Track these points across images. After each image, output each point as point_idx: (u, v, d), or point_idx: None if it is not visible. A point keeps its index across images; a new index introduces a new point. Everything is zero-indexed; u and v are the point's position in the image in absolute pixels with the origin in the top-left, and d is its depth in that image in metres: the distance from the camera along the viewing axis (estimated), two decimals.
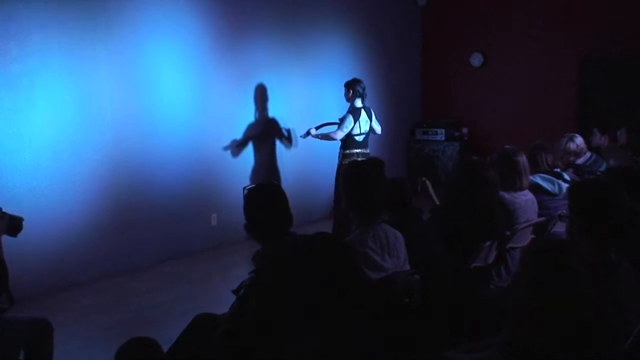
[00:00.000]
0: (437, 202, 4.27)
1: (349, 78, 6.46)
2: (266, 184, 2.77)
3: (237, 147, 6.74)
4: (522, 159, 4.00)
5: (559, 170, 4.52)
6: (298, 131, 7.05)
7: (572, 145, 5.35)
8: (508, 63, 9.05)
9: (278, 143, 7.21)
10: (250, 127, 6.86)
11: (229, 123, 6.62)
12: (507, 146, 4.16)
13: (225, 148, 6.61)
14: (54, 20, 5.03)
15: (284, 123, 7.21)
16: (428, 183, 4.35)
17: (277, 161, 7.20)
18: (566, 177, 4.43)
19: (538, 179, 4.34)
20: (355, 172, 3.03)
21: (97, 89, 5.37)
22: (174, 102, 6.04)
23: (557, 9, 8.62)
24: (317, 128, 6.49)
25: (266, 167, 7.06)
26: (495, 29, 9.11)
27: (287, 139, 7.25)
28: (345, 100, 6.33)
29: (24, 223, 4.81)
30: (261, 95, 6.94)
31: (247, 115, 6.84)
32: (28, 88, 4.91)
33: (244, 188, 2.71)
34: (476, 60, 9.33)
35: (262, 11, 6.90)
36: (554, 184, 4.32)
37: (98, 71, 5.37)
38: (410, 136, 9.41)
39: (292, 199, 2.70)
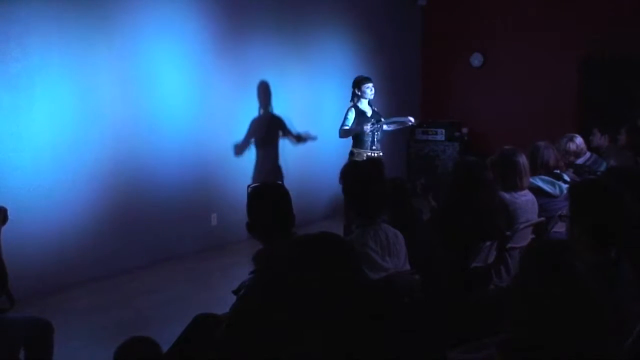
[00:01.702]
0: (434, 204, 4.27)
1: (349, 77, 6.45)
2: (270, 183, 2.77)
3: (237, 146, 6.73)
4: (522, 159, 4.00)
5: (558, 171, 4.50)
6: (299, 129, 7.06)
7: (571, 146, 5.35)
8: (508, 63, 9.06)
9: (279, 142, 7.20)
10: (251, 127, 6.86)
11: (229, 123, 6.62)
12: (507, 147, 4.16)
13: (226, 148, 6.60)
14: (54, 20, 5.03)
15: (285, 116, 7.19)
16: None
17: (278, 161, 7.19)
18: (566, 178, 4.42)
19: (539, 181, 4.33)
20: (355, 172, 3.03)
21: (97, 89, 5.38)
22: (174, 102, 6.04)
23: (557, 9, 8.62)
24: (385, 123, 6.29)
25: (268, 167, 7.06)
26: (495, 29, 9.12)
27: (297, 137, 7.19)
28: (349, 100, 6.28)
29: (24, 223, 4.84)
30: (262, 95, 6.94)
31: (247, 115, 6.84)
32: (28, 88, 4.91)
33: (248, 186, 2.70)
34: (476, 60, 9.34)
35: (263, 10, 6.91)
36: (554, 186, 4.31)
37: (98, 71, 5.37)
38: (410, 136, 9.41)
39: (294, 199, 2.70)
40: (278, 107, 7.10)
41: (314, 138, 7.16)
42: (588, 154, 5.48)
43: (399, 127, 6.56)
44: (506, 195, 3.88)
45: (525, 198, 3.98)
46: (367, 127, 5.96)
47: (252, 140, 6.88)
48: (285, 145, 7.24)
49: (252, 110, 6.89)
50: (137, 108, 5.71)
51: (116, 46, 5.50)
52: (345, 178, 3.00)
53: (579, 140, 5.35)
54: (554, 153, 4.57)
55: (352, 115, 6.06)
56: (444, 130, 9.16)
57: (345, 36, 8.17)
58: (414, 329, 2.46)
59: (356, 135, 6.07)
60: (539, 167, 4.45)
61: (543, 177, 4.38)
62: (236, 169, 6.69)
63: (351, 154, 6.08)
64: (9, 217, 3.22)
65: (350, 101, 6.19)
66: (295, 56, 7.37)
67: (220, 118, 6.50)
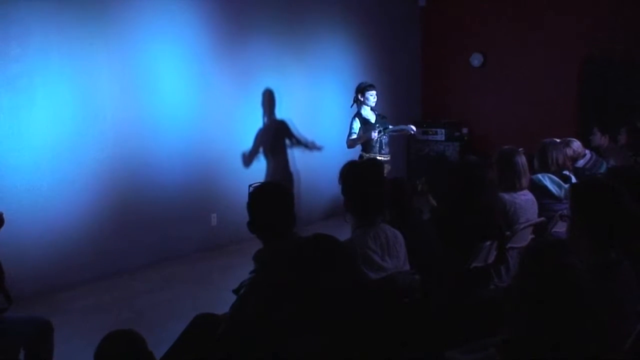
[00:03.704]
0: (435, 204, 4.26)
1: (349, 78, 6.45)
2: (271, 182, 2.78)
3: (246, 154, 6.74)
4: (521, 159, 3.99)
5: (567, 173, 4.47)
6: (300, 131, 7.05)
7: (568, 151, 5.32)
8: (508, 63, 9.05)
9: (287, 147, 7.20)
10: (257, 134, 6.86)
11: (229, 123, 6.62)
12: (506, 147, 4.15)
13: (226, 148, 6.60)
14: (54, 20, 5.03)
15: (291, 121, 7.20)
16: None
17: (288, 166, 7.19)
18: (574, 181, 4.38)
19: (547, 180, 4.30)
20: (354, 172, 3.03)
21: (97, 89, 5.38)
22: (174, 102, 6.04)
23: (557, 9, 8.62)
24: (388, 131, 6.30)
25: (278, 172, 7.06)
26: (495, 29, 9.12)
27: (305, 144, 7.23)
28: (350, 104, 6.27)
29: (24, 222, 4.84)
30: (263, 97, 6.94)
31: (247, 116, 6.84)
32: (28, 88, 4.91)
33: (250, 186, 2.71)
34: (476, 60, 9.33)
35: (263, 11, 6.90)
36: (560, 189, 4.28)
37: (98, 71, 5.37)
38: (411, 136, 9.40)
39: (295, 199, 2.70)
40: (279, 109, 7.10)
41: (319, 148, 7.18)
42: (588, 155, 5.46)
43: (399, 134, 6.56)
44: (505, 196, 3.87)
45: (525, 197, 3.97)
46: (375, 134, 5.96)
47: (261, 146, 6.88)
48: (293, 146, 7.25)
49: (253, 111, 6.89)
50: (137, 108, 5.71)
51: (116, 46, 5.50)
52: (345, 179, 3.00)
53: (575, 144, 5.32)
54: (563, 151, 4.55)
55: (357, 124, 6.03)
56: (444, 130, 9.16)
57: (345, 36, 8.17)
58: (414, 329, 2.46)
59: (365, 141, 6.07)
60: (551, 164, 4.43)
61: (552, 176, 4.34)
62: (236, 169, 6.69)
63: (360, 157, 6.04)
64: (6, 218, 3.22)
65: (352, 106, 6.16)
66: (295, 57, 7.36)
67: (220, 118, 6.49)
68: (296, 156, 7.31)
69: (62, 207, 5.16)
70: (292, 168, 7.27)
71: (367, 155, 6.01)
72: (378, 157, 5.91)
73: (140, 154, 5.76)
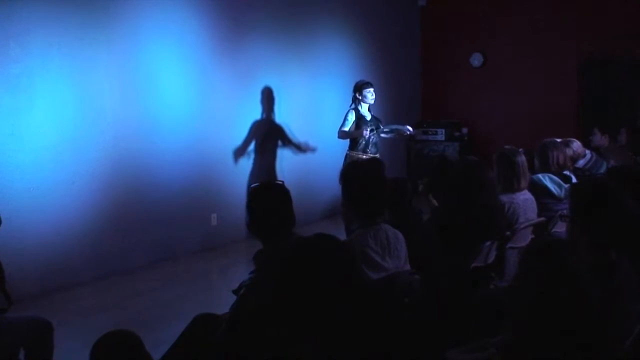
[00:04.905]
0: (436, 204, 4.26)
1: (350, 77, 6.44)
2: (271, 183, 2.78)
3: (238, 148, 6.73)
4: (522, 159, 3.99)
5: (568, 173, 4.47)
6: (300, 135, 7.06)
7: (568, 151, 5.32)
8: (508, 63, 9.06)
9: (279, 143, 7.20)
10: (251, 127, 6.86)
11: (229, 123, 6.62)
12: (506, 146, 4.15)
13: (226, 148, 6.60)
14: (54, 20, 5.03)
15: (285, 123, 7.20)
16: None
17: (275, 164, 7.19)
18: (574, 181, 4.38)
19: (547, 180, 4.30)
20: (355, 172, 3.03)
21: (97, 89, 5.37)
22: (174, 102, 6.04)
23: (557, 9, 8.63)
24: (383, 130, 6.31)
25: (268, 167, 7.06)
26: (495, 29, 9.12)
27: (297, 146, 7.23)
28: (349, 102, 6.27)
29: (24, 223, 4.84)
30: (262, 96, 6.94)
31: (247, 115, 6.84)
32: (28, 88, 4.91)
33: (250, 186, 2.72)
34: (476, 60, 9.34)
35: (263, 11, 6.91)
36: (560, 188, 4.29)
37: (98, 71, 5.37)
38: (410, 136, 9.40)
39: (294, 199, 2.71)
40: (278, 108, 7.10)
41: (313, 149, 7.18)
42: (589, 155, 5.46)
43: (395, 136, 6.57)
44: (504, 198, 3.87)
45: (523, 197, 3.98)
46: (366, 133, 5.98)
47: (252, 142, 6.88)
48: (285, 148, 7.24)
49: (253, 110, 6.89)
50: (137, 108, 5.71)
51: (116, 46, 5.50)
52: (346, 179, 3.00)
53: (575, 145, 5.31)
54: (563, 151, 4.56)
55: (351, 117, 6.06)
56: (444, 130, 9.16)
57: (346, 36, 8.17)
58: (414, 329, 2.46)
59: (352, 138, 6.09)
60: (551, 164, 4.43)
61: (552, 176, 4.34)
62: (236, 169, 6.69)
63: (346, 157, 6.06)
64: (6, 218, 3.21)
65: (351, 105, 6.18)
66: (295, 56, 7.36)
67: (220, 118, 6.50)
68: (295, 156, 7.31)
69: (62, 207, 5.16)
70: (291, 168, 7.27)
71: (351, 153, 6.03)
72: (363, 156, 5.92)
73: (140, 154, 5.75)
